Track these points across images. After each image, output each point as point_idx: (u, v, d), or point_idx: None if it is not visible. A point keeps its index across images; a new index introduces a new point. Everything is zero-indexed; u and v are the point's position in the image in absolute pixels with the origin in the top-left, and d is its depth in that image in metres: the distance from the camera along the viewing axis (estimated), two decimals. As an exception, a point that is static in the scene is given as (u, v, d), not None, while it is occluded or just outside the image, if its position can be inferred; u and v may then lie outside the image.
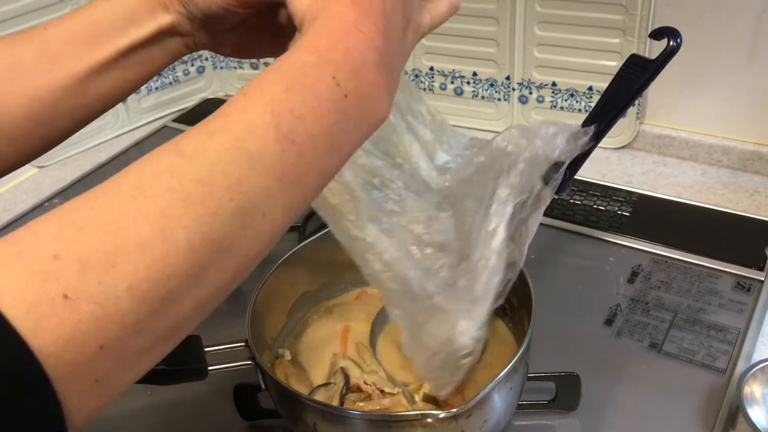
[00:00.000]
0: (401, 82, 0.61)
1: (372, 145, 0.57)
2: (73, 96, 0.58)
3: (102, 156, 1.19)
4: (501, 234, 0.55)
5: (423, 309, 0.56)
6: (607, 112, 0.57)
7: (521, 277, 0.65)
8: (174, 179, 0.35)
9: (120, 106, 1.23)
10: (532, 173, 0.57)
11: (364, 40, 0.43)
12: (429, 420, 0.53)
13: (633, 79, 0.55)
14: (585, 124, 0.58)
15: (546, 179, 0.58)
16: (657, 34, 0.54)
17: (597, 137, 0.58)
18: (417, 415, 0.53)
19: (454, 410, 0.53)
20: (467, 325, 0.56)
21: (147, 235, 0.33)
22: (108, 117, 1.22)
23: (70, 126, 0.62)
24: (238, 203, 0.36)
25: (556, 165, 0.58)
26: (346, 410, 0.55)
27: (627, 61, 0.56)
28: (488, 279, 0.56)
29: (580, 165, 0.59)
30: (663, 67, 0.54)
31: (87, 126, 1.28)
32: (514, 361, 0.56)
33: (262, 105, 0.39)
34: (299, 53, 0.42)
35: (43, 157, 1.21)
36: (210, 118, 0.39)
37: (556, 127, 0.58)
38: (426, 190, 0.60)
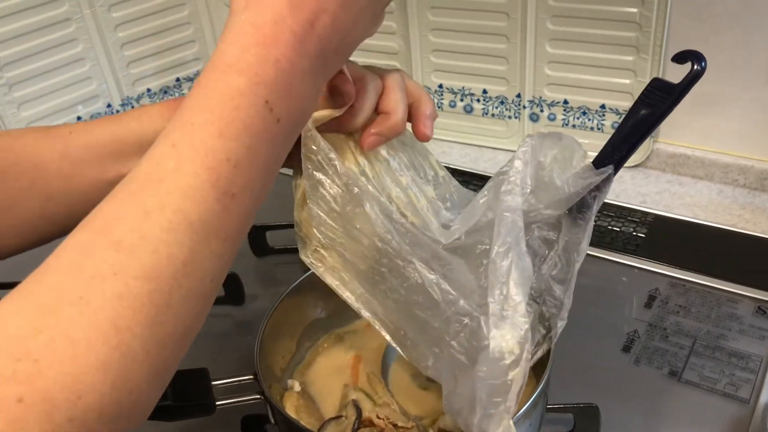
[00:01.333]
0: (405, 137, 0.58)
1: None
2: (90, 201, 0.58)
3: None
4: (517, 222, 0.49)
5: (450, 319, 0.50)
6: (628, 138, 0.55)
7: (538, 306, 0.63)
8: (118, 281, 0.32)
9: (125, 124, 1.22)
10: (536, 175, 0.53)
11: (295, 44, 0.39)
12: (446, 460, 0.51)
13: (655, 105, 0.53)
14: (603, 153, 0.56)
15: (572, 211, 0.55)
16: (680, 58, 0.52)
17: (617, 165, 0.56)
18: (433, 454, 0.50)
19: (472, 450, 0.50)
20: (505, 326, 0.47)
21: (104, 355, 0.31)
22: (113, 135, 1.21)
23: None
24: (187, 286, 0.34)
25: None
26: (360, 449, 0.53)
27: (649, 85, 0.54)
28: (510, 266, 0.48)
29: (606, 191, 0.57)
30: (687, 92, 0.52)
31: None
32: (534, 396, 0.54)
33: (196, 161, 0.36)
34: (227, 75, 0.38)
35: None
36: (141, 182, 0.36)
37: (561, 149, 0.55)
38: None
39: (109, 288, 0.32)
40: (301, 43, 0.39)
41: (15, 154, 0.56)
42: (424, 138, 0.56)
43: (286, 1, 0.39)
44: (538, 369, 0.66)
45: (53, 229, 0.58)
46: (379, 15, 0.46)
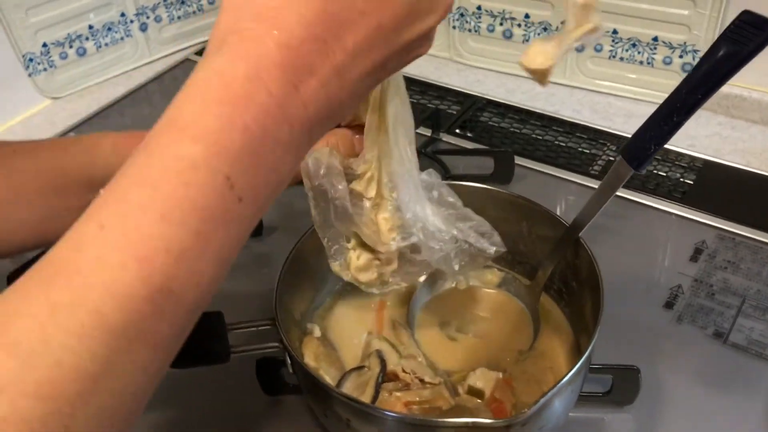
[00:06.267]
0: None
1: None
2: (31, 229, 0.53)
3: (120, 89, 1.12)
4: None
5: None
6: (707, 79, 0.48)
7: (585, 257, 0.58)
8: (4, 398, 0.25)
9: (139, 35, 1.14)
10: None
11: (272, 108, 0.31)
12: (479, 428, 0.46)
13: (743, 42, 0.46)
14: (676, 94, 0.49)
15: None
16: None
17: (691, 110, 0.49)
18: (467, 423, 0.46)
19: (508, 419, 0.46)
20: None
21: None
22: (126, 47, 1.14)
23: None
24: (97, 405, 0.27)
25: None
26: (385, 412, 0.49)
27: (737, 19, 0.47)
28: None
29: (668, 138, 0.51)
30: (783, 29, 0.45)
31: (104, 56, 1.20)
32: (580, 363, 0.49)
33: (125, 251, 0.28)
34: (179, 140, 0.30)
35: (56, 87, 1.14)
36: (55, 269, 0.28)
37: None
38: None
39: None
40: (279, 107, 0.32)
41: None
42: None
43: (269, 51, 0.31)
44: (576, 322, 0.62)
45: None
46: (379, 79, 0.38)
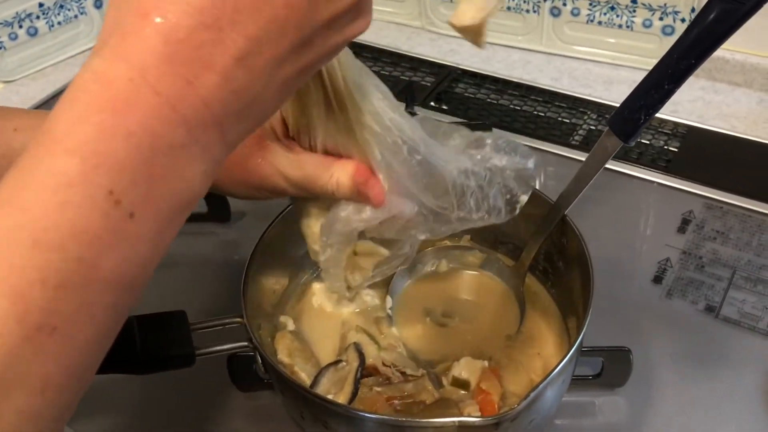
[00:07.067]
0: None
1: None
2: None
3: (76, 71, 1.05)
4: None
5: None
6: (700, 42, 0.44)
7: (572, 236, 0.55)
8: None
9: (94, 12, 1.08)
10: None
11: (161, 109, 0.28)
12: (466, 427, 0.43)
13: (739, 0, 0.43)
14: (667, 60, 0.46)
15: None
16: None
17: (682, 76, 0.46)
18: (453, 422, 0.43)
19: (497, 416, 0.43)
20: None
21: None
22: (81, 26, 1.08)
23: None
24: None
25: None
26: (364, 413, 0.45)
27: (733, -26, 0.44)
28: None
29: (659, 107, 0.48)
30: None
31: (57, 36, 1.14)
32: (572, 351, 0.46)
33: None
34: (53, 155, 0.27)
35: (9, 70, 1.07)
36: None
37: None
38: None
39: None
40: (171, 107, 0.28)
41: None
42: None
43: (153, 47, 0.28)
44: (564, 303, 0.59)
45: None
46: (308, 66, 0.33)
